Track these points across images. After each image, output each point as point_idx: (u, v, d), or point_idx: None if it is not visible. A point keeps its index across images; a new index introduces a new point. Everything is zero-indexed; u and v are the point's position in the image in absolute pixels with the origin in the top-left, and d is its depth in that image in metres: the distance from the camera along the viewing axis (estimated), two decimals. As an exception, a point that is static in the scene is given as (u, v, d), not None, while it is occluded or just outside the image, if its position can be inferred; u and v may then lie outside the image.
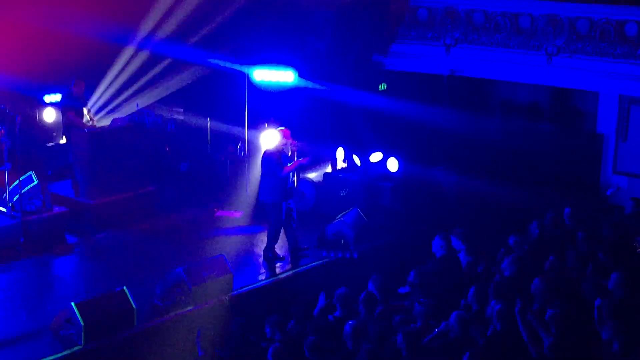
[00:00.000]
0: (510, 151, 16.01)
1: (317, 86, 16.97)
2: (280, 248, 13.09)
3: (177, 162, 17.07)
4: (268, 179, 12.73)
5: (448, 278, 10.73)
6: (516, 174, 15.55)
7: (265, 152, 12.87)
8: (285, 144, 12.72)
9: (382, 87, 18.20)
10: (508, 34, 16.62)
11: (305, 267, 12.83)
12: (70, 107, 14.68)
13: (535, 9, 16.28)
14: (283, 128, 12.87)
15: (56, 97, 16.80)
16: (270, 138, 13.48)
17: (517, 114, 17.39)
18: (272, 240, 12.90)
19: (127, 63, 17.12)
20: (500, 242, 11.73)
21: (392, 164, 15.09)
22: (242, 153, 15.89)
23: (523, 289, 9.62)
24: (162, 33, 16.96)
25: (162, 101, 18.41)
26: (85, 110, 14.94)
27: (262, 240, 13.26)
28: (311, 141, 15.00)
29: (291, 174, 12.85)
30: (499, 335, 8.71)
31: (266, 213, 13.12)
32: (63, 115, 15.00)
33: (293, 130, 13.00)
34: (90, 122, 14.92)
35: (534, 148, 16.02)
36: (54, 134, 17.33)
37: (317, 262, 12.98)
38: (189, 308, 10.98)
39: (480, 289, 9.61)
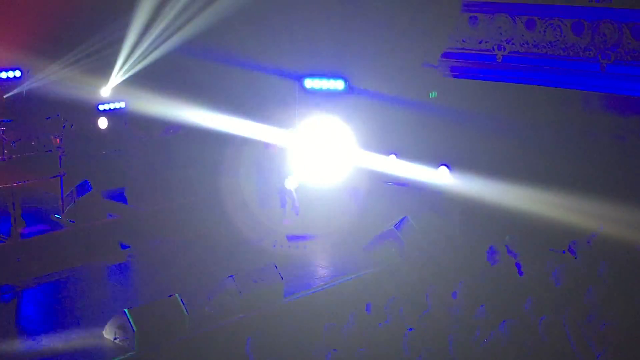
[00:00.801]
0: (565, 159, 15.77)
1: (368, 94, 16.94)
2: (331, 257, 13.10)
3: (228, 169, 17.12)
4: None
5: (502, 287, 10.61)
6: (571, 182, 15.32)
7: None
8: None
9: (433, 94, 18.10)
10: (561, 41, 16.41)
11: (356, 275, 12.80)
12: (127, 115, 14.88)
13: (589, 15, 16.05)
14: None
15: (110, 106, 16.99)
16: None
17: (571, 122, 17.15)
18: None
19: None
20: (553, 252, 11.58)
21: (443, 173, 15.00)
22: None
23: (576, 299, 9.48)
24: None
25: (217, 109, 18.49)
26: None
27: (311, 247, 13.28)
28: (362, 148, 14.98)
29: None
30: (546, 347, 8.59)
31: None
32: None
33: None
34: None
35: (589, 156, 15.76)
36: (108, 142, 17.51)
37: (368, 271, 12.94)
38: (240, 315, 11.03)
39: (536, 299, 9.49)
